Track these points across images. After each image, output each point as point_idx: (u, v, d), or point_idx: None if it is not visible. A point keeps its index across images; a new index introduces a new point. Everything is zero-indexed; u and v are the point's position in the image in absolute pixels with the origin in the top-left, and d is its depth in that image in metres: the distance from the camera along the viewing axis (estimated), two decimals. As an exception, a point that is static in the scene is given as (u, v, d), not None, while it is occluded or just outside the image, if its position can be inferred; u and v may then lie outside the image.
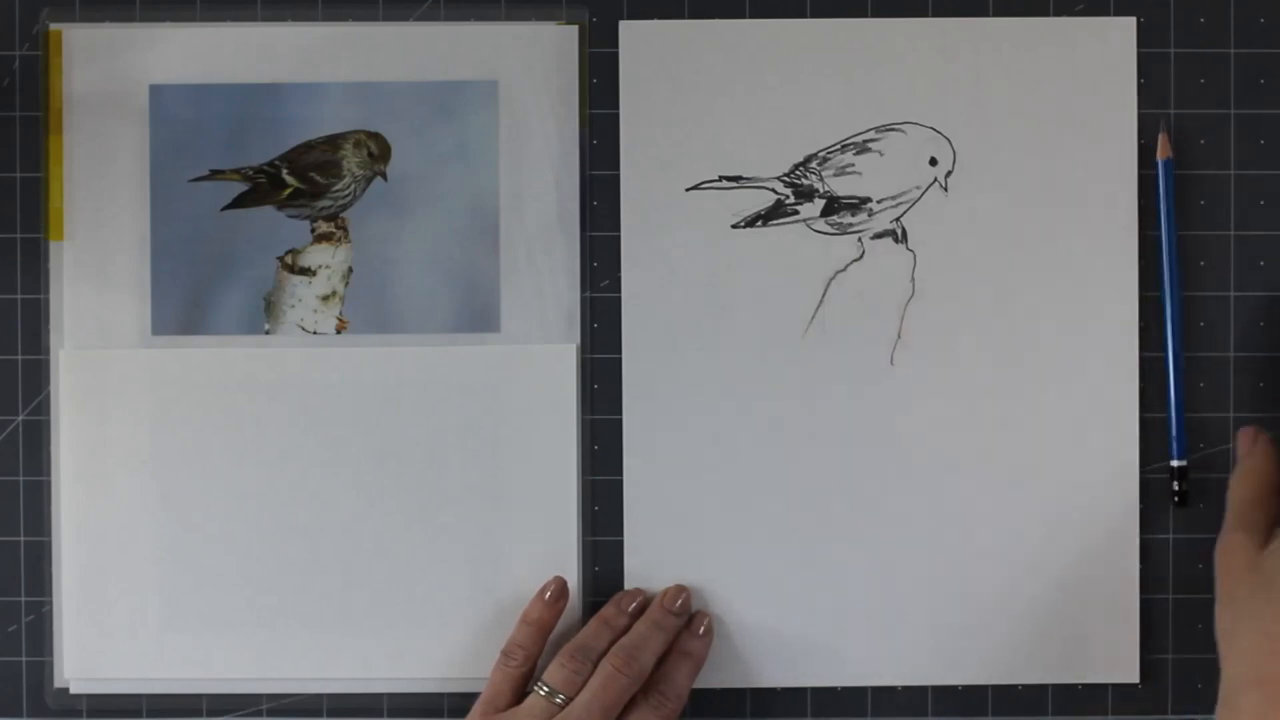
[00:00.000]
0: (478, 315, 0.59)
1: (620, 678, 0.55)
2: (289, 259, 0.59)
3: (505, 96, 0.59)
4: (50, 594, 0.59)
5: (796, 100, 0.59)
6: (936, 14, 0.59)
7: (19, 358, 0.59)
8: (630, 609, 0.58)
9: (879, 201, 0.59)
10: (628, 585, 0.59)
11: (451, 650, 0.59)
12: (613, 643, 0.56)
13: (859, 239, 0.59)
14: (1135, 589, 0.59)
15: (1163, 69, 0.59)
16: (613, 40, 0.59)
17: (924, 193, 0.59)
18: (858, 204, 0.59)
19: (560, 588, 0.58)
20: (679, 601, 0.58)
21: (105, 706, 0.59)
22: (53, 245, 0.59)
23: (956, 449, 0.59)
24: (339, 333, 0.59)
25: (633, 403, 0.59)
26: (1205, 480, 0.59)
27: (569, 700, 0.55)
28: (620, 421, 0.59)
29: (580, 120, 0.59)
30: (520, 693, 0.56)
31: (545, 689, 0.55)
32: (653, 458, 0.59)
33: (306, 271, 0.59)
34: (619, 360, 0.59)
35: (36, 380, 0.59)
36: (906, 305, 0.59)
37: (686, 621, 0.58)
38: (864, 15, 0.59)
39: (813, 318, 0.59)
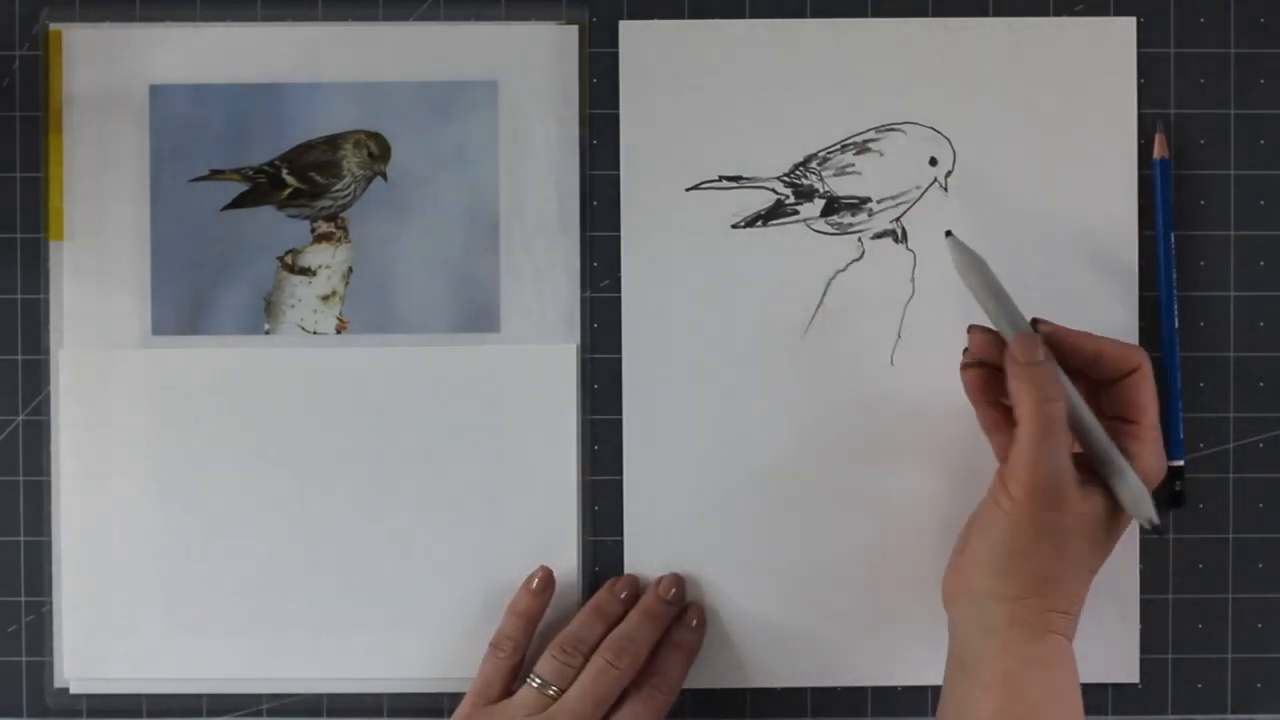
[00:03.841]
0: (478, 315, 0.59)
1: (613, 671, 0.55)
2: (289, 259, 0.59)
3: (505, 96, 0.59)
4: (50, 594, 0.59)
5: (796, 100, 0.59)
6: (936, 14, 0.59)
7: (19, 358, 0.59)
8: (622, 595, 0.58)
9: (879, 201, 0.59)
10: (628, 585, 0.59)
11: (451, 650, 0.59)
12: (605, 632, 0.56)
13: (859, 239, 0.59)
14: (1135, 589, 0.59)
15: (1163, 69, 0.59)
16: (613, 40, 0.59)
17: (924, 193, 0.59)
18: (858, 204, 0.59)
19: (546, 577, 0.58)
20: (673, 591, 0.58)
21: (105, 706, 0.59)
22: (53, 245, 0.59)
23: (956, 449, 0.58)
24: (339, 333, 0.59)
25: (633, 403, 0.59)
26: (1205, 480, 0.59)
27: (561, 693, 0.55)
28: (620, 421, 0.59)
29: (580, 120, 0.59)
30: (511, 684, 0.56)
31: (537, 681, 0.55)
32: (653, 458, 0.59)
33: (306, 271, 0.59)
34: (619, 360, 0.59)
35: (36, 380, 0.59)
36: (906, 305, 0.59)
37: (680, 613, 0.58)
38: (864, 15, 0.59)
39: (813, 318, 0.59)
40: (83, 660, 0.59)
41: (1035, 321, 0.52)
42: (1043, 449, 0.50)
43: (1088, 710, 0.59)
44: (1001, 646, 0.51)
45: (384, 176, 0.59)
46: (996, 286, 0.53)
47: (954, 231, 0.54)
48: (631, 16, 0.59)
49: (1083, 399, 0.52)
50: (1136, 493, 0.51)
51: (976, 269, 0.53)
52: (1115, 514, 0.52)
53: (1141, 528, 0.52)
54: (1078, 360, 0.53)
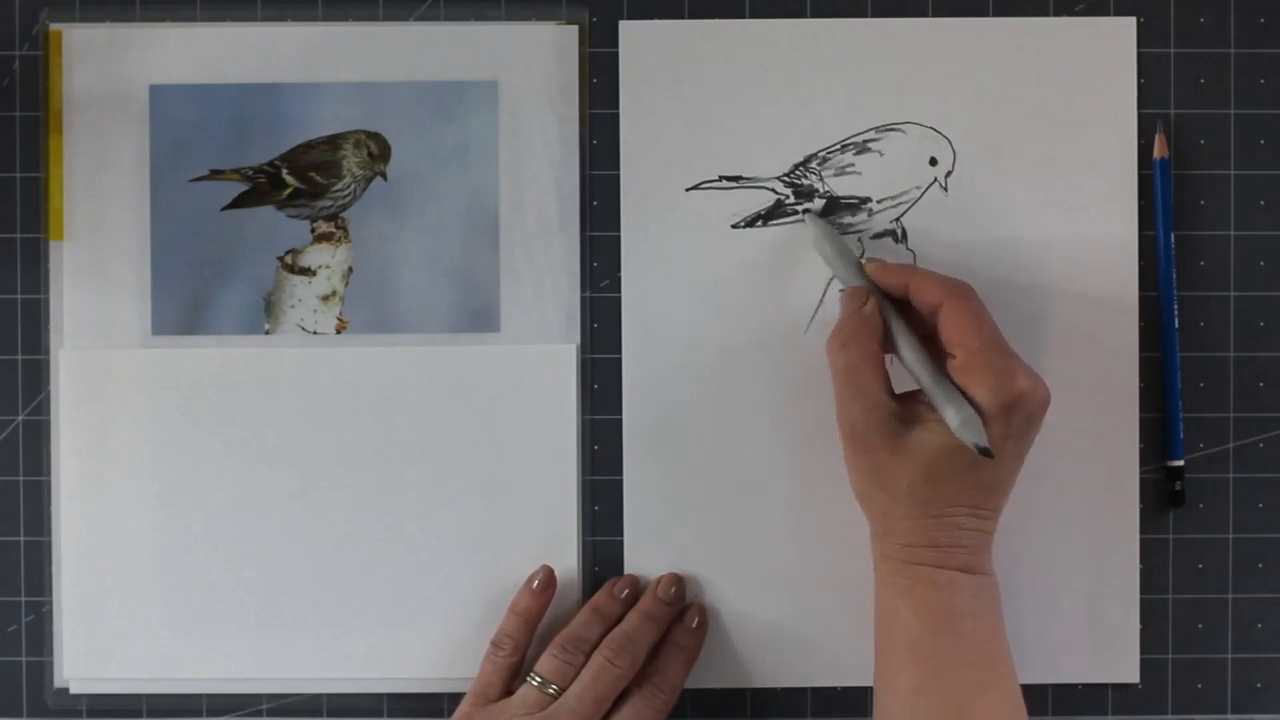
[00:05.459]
0: (478, 315, 0.59)
1: (612, 669, 0.55)
2: (289, 259, 0.59)
3: (505, 96, 0.59)
4: (50, 594, 0.59)
5: (796, 100, 0.59)
6: (936, 14, 0.59)
7: (19, 358, 0.59)
8: (622, 595, 0.58)
9: (879, 201, 0.59)
10: (628, 585, 0.59)
11: (452, 650, 0.59)
12: (605, 632, 0.56)
13: (859, 239, 0.59)
14: (1135, 589, 0.59)
15: (1163, 69, 0.59)
16: (613, 40, 0.59)
17: (924, 193, 0.59)
18: (858, 204, 0.59)
19: (547, 576, 0.58)
20: (672, 590, 0.58)
21: (105, 706, 0.59)
22: (53, 245, 0.59)
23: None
24: (339, 333, 0.59)
25: (633, 403, 0.59)
26: (1204, 480, 0.59)
27: (561, 691, 0.55)
28: (620, 421, 0.59)
29: (580, 120, 0.59)
30: (510, 683, 0.56)
31: (537, 679, 0.55)
32: (653, 458, 0.59)
33: (306, 271, 0.59)
34: (619, 360, 0.59)
35: (36, 380, 0.59)
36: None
37: (680, 613, 0.58)
38: (864, 15, 0.59)
39: (813, 318, 0.59)
40: (83, 660, 0.59)
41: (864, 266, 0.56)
42: (841, 397, 0.54)
43: (1088, 710, 0.59)
44: (879, 580, 0.55)
45: (384, 176, 0.59)
46: (845, 251, 0.56)
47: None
48: (631, 16, 0.59)
49: (909, 335, 0.54)
50: (957, 420, 0.51)
51: (827, 237, 0.57)
52: (961, 446, 0.52)
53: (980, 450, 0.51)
54: (897, 296, 0.55)
